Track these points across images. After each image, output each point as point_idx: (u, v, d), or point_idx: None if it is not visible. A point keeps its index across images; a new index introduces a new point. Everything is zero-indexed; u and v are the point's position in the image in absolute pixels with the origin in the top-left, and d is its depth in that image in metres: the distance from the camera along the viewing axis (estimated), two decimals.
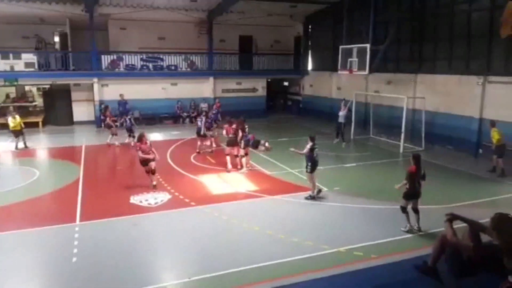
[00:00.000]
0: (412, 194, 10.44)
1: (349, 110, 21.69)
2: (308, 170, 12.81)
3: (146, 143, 14.03)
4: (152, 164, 13.90)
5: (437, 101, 20.29)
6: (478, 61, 18.57)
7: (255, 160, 17.76)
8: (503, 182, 14.75)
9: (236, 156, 16.48)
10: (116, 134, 21.06)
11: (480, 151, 18.25)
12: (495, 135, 15.60)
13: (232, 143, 16.38)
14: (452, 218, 5.36)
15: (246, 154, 16.28)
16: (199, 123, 19.04)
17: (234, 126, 16.45)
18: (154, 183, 13.95)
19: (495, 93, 17.60)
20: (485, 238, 5.29)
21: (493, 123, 15.95)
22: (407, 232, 10.40)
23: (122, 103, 26.69)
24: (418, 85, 21.66)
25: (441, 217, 5.57)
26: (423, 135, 20.13)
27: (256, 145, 16.48)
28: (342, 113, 21.01)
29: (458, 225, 5.36)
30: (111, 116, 21.83)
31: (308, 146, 12.75)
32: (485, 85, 17.94)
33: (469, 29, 19.00)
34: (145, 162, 13.91)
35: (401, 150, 19.52)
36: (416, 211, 10.53)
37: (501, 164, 15.67)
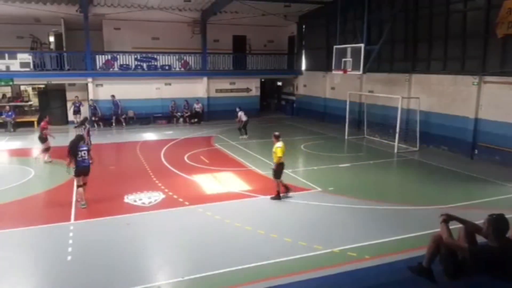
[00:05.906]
0: None
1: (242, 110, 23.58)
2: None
3: None
4: None
5: (432, 101, 20.25)
6: (474, 61, 18.42)
7: (246, 158, 17.74)
8: (498, 183, 14.66)
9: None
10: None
11: (476, 151, 18.20)
12: (278, 151, 12.58)
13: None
14: (447, 218, 5.34)
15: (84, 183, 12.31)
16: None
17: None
18: None
19: (491, 93, 17.55)
20: (480, 239, 5.27)
21: (277, 136, 12.92)
22: None
23: (116, 102, 26.95)
24: (412, 85, 21.61)
25: (437, 218, 5.55)
26: (417, 135, 20.09)
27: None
28: (241, 113, 23.15)
29: (453, 226, 5.33)
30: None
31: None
32: (480, 85, 17.86)
33: (464, 28, 18.91)
34: None
35: (395, 151, 19.49)
36: None
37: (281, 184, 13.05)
